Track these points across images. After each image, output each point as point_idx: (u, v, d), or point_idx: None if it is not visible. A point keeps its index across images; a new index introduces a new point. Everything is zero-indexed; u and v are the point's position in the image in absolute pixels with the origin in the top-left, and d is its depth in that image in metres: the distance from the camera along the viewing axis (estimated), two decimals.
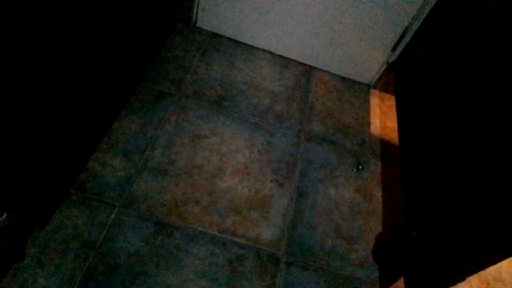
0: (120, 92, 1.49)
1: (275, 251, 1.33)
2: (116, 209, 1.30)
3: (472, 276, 1.41)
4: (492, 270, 1.48)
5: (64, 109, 1.05)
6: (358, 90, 2.02)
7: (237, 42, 2.03)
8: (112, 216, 1.27)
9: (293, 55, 2.04)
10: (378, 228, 1.49)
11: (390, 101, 2.01)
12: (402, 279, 1.35)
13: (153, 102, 1.63)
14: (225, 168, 1.51)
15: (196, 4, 1.91)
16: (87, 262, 1.16)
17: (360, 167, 1.66)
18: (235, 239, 1.33)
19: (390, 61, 1.92)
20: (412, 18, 1.73)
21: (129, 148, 1.46)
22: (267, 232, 1.37)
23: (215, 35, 2.02)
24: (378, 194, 1.60)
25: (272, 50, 2.04)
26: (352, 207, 1.52)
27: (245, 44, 2.03)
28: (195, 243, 1.28)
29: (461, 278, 1.13)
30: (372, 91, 2.05)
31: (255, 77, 1.89)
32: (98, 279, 1.14)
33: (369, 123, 1.88)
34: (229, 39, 2.03)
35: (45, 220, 1.19)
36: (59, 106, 1.02)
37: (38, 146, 0.98)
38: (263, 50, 2.04)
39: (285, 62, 2.03)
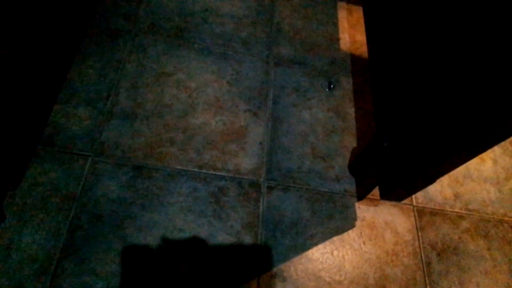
0: (67, 34, 1.37)
1: (255, 178, 1.37)
2: (90, 159, 1.27)
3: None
4: (460, 168, 1.57)
5: (10, 59, 0.96)
6: (324, 5, 1.92)
7: None
8: (87, 167, 1.25)
9: None
10: (353, 143, 1.53)
11: (358, 13, 1.93)
12: (377, 189, 1.43)
13: (108, 43, 1.52)
14: (196, 104, 1.47)
15: None
16: (70, 214, 1.16)
17: (332, 86, 1.65)
18: (215, 173, 1.34)
19: None
20: None
21: (91, 95, 1.38)
22: (246, 161, 1.39)
23: None
24: (351, 110, 1.61)
25: None
26: (326, 126, 1.54)
27: None
28: (176, 181, 1.29)
29: (432, 181, 1.20)
30: (339, 4, 1.95)
31: (215, 2, 1.76)
32: (84, 228, 1.15)
33: (338, 39, 1.82)
34: None
35: (17, 179, 1.16)
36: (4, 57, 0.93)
37: None
38: None
39: None
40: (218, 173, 1.34)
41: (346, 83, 1.69)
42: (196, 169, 1.33)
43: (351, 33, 1.85)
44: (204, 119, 1.44)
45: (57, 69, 1.33)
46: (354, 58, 1.77)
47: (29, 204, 1.15)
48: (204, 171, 1.33)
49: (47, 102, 1.29)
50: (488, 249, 1.41)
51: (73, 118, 1.33)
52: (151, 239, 1.18)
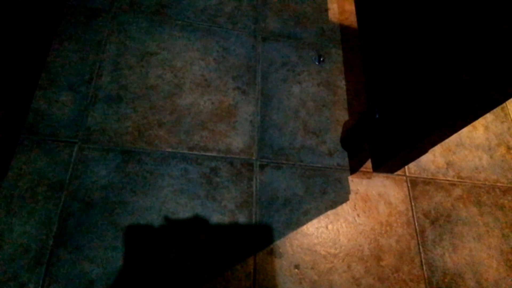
0: (41, 15, 1.30)
1: (247, 157, 1.35)
2: (77, 145, 1.24)
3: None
4: (453, 137, 1.57)
5: None
6: None
7: None
8: (74, 154, 1.22)
9: None
10: (344, 117, 1.51)
11: None
12: (370, 161, 1.43)
13: (86, 23, 1.45)
14: (182, 84, 1.42)
15: None
16: (60, 202, 1.14)
17: (321, 58, 1.61)
18: (206, 153, 1.32)
19: None
20: None
21: (73, 79, 1.33)
22: (237, 140, 1.37)
23: None
24: (342, 83, 1.58)
25: None
26: (317, 101, 1.52)
27: None
28: (166, 164, 1.27)
29: (424, 151, 1.19)
30: None
31: None
32: (76, 216, 1.14)
33: (326, 10, 1.77)
34: None
35: (2, 170, 1.13)
36: None
37: None
38: None
39: None
40: (209, 153, 1.32)
41: (336, 55, 1.65)
42: (186, 151, 1.31)
43: (339, 3, 1.80)
44: (192, 99, 1.40)
45: (35, 53, 1.27)
46: (344, 29, 1.73)
47: (16, 194, 1.13)
48: (195, 152, 1.31)
49: (27, 88, 1.24)
50: (481, 215, 1.42)
51: (56, 104, 1.28)
52: (144, 223, 1.17)
